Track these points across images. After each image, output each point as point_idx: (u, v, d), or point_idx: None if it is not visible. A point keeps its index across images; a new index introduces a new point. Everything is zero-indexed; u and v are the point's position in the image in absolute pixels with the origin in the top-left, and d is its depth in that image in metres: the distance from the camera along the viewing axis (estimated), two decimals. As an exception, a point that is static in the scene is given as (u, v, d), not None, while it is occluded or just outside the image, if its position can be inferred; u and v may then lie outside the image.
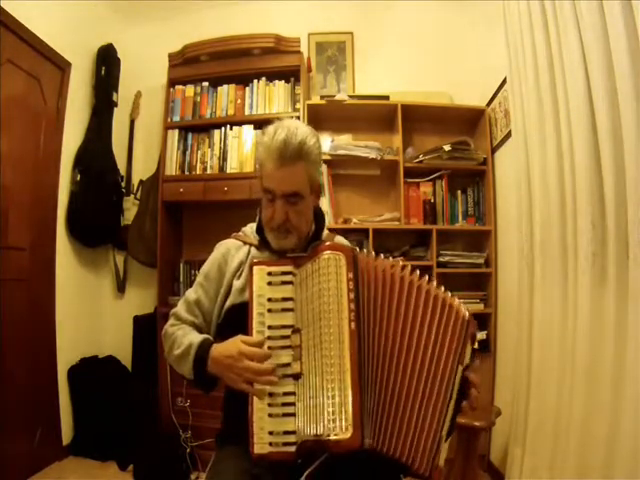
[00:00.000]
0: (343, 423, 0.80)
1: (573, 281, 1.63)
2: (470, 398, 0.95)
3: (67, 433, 2.63)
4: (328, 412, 0.82)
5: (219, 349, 0.99)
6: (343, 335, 0.85)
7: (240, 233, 1.24)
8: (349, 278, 0.89)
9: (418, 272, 0.96)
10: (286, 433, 0.86)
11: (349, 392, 0.82)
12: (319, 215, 1.21)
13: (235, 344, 0.94)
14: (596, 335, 1.48)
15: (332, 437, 0.80)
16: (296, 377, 0.89)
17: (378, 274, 0.93)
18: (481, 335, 2.53)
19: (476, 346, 1.01)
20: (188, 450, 2.43)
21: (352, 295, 0.88)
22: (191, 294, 1.17)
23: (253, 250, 1.17)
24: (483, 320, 2.60)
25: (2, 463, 2.09)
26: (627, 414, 1.30)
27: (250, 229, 1.23)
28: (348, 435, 0.79)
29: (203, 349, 1.01)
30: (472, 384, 0.95)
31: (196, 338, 1.05)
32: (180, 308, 1.16)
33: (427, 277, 0.96)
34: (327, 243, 0.98)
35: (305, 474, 0.84)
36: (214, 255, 1.20)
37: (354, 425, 0.80)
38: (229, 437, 1.06)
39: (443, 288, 0.96)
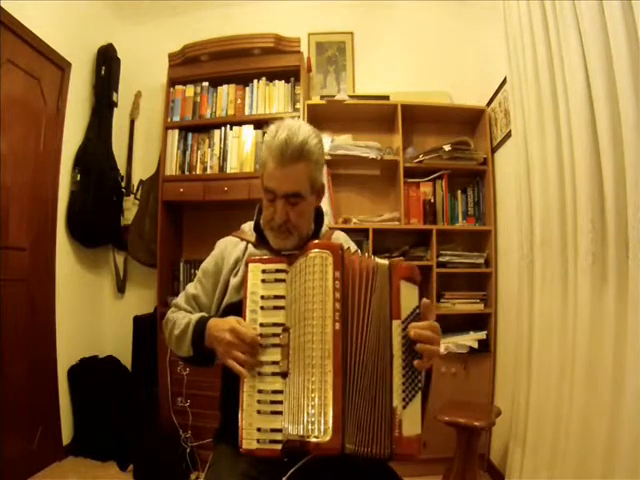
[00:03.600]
0: (322, 426, 0.80)
1: (573, 281, 1.63)
2: (422, 355, 0.88)
3: (67, 433, 2.63)
4: (308, 413, 0.82)
5: (215, 321, 1.02)
6: (326, 335, 0.85)
7: (239, 231, 1.25)
8: (335, 277, 0.88)
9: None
10: (273, 431, 0.87)
11: (330, 394, 0.82)
12: (319, 215, 1.21)
13: (229, 321, 0.97)
14: (596, 335, 1.48)
15: (312, 439, 0.80)
16: (284, 375, 0.89)
17: (362, 272, 0.92)
18: (481, 335, 2.54)
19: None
20: (188, 450, 2.43)
21: (338, 294, 0.87)
22: (191, 289, 1.19)
23: (250, 247, 1.17)
24: (483, 320, 2.61)
25: (2, 463, 2.09)
26: (627, 414, 1.30)
27: (248, 227, 1.23)
28: (327, 439, 0.79)
29: (201, 323, 1.04)
30: (417, 338, 0.87)
31: (195, 315, 1.08)
32: (180, 299, 1.19)
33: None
34: (316, 241, 0.97)
35: (288, 474, 0.85)
36: (213, 252, 1.22)
37: (334, 429, 0.79)
38: (226, 435, 1.06)
39: (367, 256, 0.94)
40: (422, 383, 0.90)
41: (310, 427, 0.80)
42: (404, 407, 0.86)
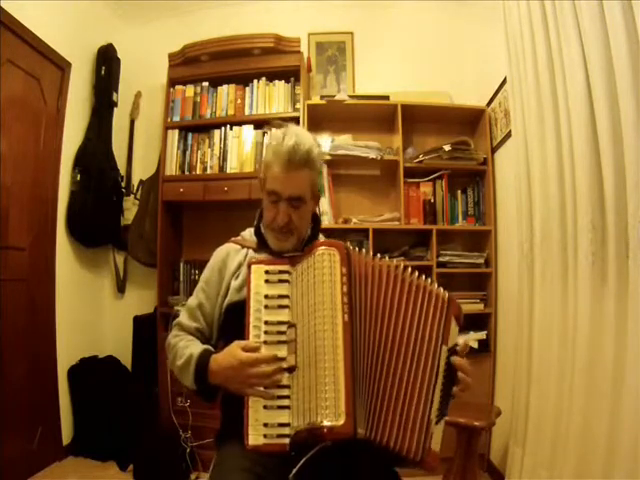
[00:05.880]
0: (335, 410, 0.82)
1: (573, 281, 1.63)
2: (459, 382, 0.98)
3: (67, 433, 2.63)
4: (321, 405, 0.83)
5: (218, 360, 1.00)
6: (337, 326, 0.88)
7: (239, 237, 1.27)
8: (343, 273, 0.92)
9: (407, 268, 0.99)
10: (280, 425, 0.88)
11: (342, 381, 0.84)
12: (316, 219, 1.25)
13: (233, 353, 0.96)
14: (596, 335, 1.48)
15: (325, 424, 0.81)
16: (291, 370, 0.91)
17: (369, 270, 0.96)
18: (481, 335, 2.54)
19: (474, 340, 1.04)
20: (188, 450, 2.43)
21: (345, 289, 0.91)
22: (193, 300, 1.20)
23: (251, 252, 1.20)
24: (483, 320, 2.60)
25: (2, 463, 2.09)
26: (627, 414, 1.30)
27: (249, 233, 1.26)
28: (341, 422, 0.81)
29: (202, 362, 1.02)
30: (460, 368, 0.97)
31: (196, 350, 1.06)
32: (182, 317, 1.19)
33: (412, 270, 0.99)
34: (322, 239, 1.02)
35: (300, 464, 0.85)
36: (214, 260, 1.23)
37: (347, 413, 0.81)
38: (228, 436, 1.07)
39: (424, 277, 0.99)
40: (445, 411, 0.95)
41: (324, 412, 0.82)
42: (436, 423, 0.91)
